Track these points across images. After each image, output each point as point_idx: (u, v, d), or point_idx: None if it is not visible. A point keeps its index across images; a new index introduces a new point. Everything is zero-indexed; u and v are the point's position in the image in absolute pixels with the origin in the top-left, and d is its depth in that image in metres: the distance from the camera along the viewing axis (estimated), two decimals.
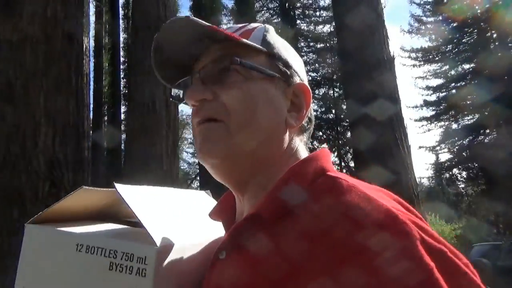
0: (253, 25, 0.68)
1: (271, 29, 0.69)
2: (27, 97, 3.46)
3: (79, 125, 3.89)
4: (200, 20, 0.56)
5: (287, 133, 0.63)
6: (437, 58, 24.53)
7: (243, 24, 0.68)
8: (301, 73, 0.67)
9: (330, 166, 0.61)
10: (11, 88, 3.44)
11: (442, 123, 25.65)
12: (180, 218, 0.70)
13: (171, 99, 0.67)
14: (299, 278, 0.45)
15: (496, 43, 18.86)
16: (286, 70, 0.64)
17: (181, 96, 0.68)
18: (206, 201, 0.78)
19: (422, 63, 25.67)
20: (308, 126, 0.69)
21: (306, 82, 0.68)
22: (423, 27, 25.75)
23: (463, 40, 21.40)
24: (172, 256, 0.56)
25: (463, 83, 21.38)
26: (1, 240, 3.06)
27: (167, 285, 0.55)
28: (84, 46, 4.25)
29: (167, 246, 0.56)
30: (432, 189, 34.60)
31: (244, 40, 0.60)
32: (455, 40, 21.84)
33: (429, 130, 27.06)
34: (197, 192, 0.84)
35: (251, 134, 0.59)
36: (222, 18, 19.46)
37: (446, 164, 24.09)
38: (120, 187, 0.61)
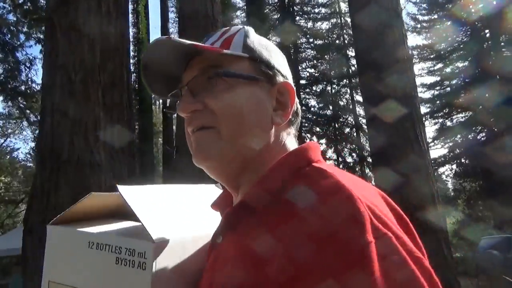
0: (233, 29, 0.70)
1: (250, 31, 0.71)
2: (86, 92, 3.56)
3: (131, 118, 4.01)
4: (181, 40, 0.61)
5: (274, 130, 0.66)
6: (431, 56, 24.90)
7: (224, 30, 0.71)
8: (284, 71, 0.70)
9: (316, 157, 0.64)
10: (71, 83, 3.54)
11: (437, 120, 26.12)
12: (184, 213, 0.75)
13: (164, 110, 0.76)
14: (281, 256, 0.49)
15: (489, 42, 19.25)
16: (268, 71, 0.67)
17: (174, 106, 0.71)
18: (215, 194, 0.81)
19: (417, 61, 26.09)
20: (295, 119, 0.72)
21: (289, 79, 0.71)
22: (419, 26, 26.12)
23: (457, 39, 21.80)
24: (172, 249, 0.62)
25: (459, 81, 21.82)
26: None
27: (167, 276, 0.61)
28: (129, 43, 4.35)
29: (165, 241, 0.61)
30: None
31: (225, 51, 0.64)
32: (449, 39, 22.22)
33: (426, 126, 27.54)
34: (207, 187, 0.88)
35: (240, 136, 0.63)
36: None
37: (439, 160, 24.53)
38: (123, 189, 0.66)
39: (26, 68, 16.49)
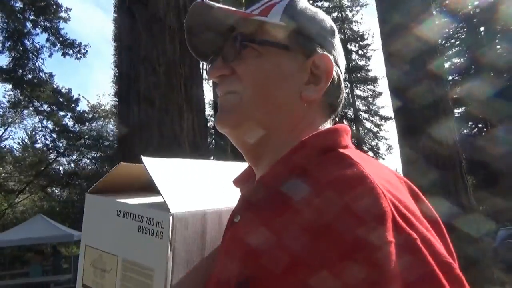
0: None
1: (298, 0, 0.67)
2: (170, 84, 3.66)
3: (205, 109, 4.13)
4: (216, 4, 0.61)
5: (303, 106, 0.63)
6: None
7: None
8: (325, 44, 0.65)
9: (343, 141, 0.60)
10: (156, 75, 3.63)
11: None
12: (209, 187, 0.75)
13: (205, 73, 0.81)
14: (299, 233, 0.47)
15: (484, 39, 19.59)
16: (305, 42, 0.63)
17: None
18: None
19: None
20: (335, 100, 0.67)
21: (332, 53, 0.66)
22: None
23: (455, 36, 22.13)
24: (191, 222, 0.62)
25: (456, 76, 22.21)
26: None
27: (186, 248, 0.61)
28: None
29: (183, 213, 0.61)
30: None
31: (256, 17, 0.62)
32: (445, 35, 22.54)
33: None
34: (237, 164, 0.86)
35: (260, 105, 0.61)
36: None
37: None
38: (147, 160, 0.67)
39: (34, 56, 16.30)
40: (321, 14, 0.68)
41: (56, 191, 24.75)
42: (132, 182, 0.77)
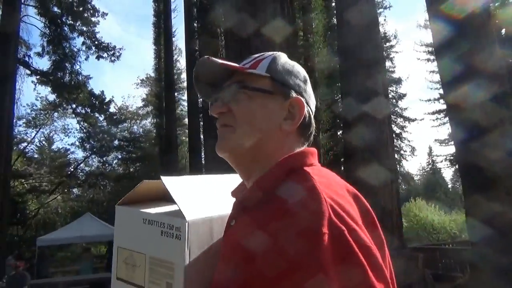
0: (266, 54, 0.86)
1: (280, 57, 0.85)
2: None
3: None
4: (217, 60, 0.80)
5: (283, 136, 0.80)
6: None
7: (260, 54, 0.87)
8: (299, 90, 0.83)
9: (310, 161, 0.77)
10: None
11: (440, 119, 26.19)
12: (213, 197, 0.92)
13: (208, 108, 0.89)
14: (270, 236, 0.62)
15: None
16: (283, 89, 0.80)
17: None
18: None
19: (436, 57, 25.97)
20: (307, 130, 0.84)
21: (304, 96, 0.84)
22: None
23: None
24: (202, 226, 0.79)
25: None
26: None
27: (199, 246, 0.78)
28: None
29: (196, 219, 0.78)
30: (433, 180, 35.67)
31: (249, 70, 0.80)
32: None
33: (444, 123, 27.82)
34: (236, 176, 1.02)
35: (250, 135, 0.78)
36: None
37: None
38: (165, 179, 0.84)
39: (72, 60, 16.74)
40: (297, 67, 0.87)
41: (77, 191, 25.29)
42: (151, 195, 0.96)
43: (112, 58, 17.79)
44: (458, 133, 5.89)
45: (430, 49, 26.49)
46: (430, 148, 42.69)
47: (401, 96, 26.14)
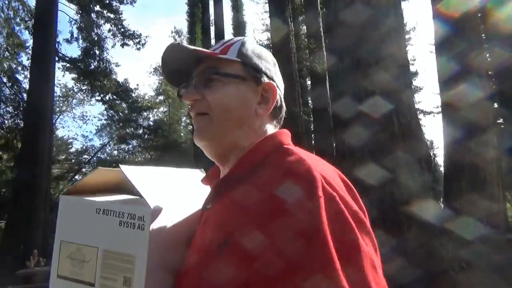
0: (235, 39, 0.85)
1: (248, 41, 0.85)
2: None
3: None
4: (187, 46, 0.78)
5: (258, 120, 0.81)
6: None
7: (228, 39, 0.87)
8: (270, 74, 0.84)
9: (286, 141, 0.78)
10: None
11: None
12: (173, 188, 0.89)
13: (178, 96, 0.86)
14: (251, 216, 0.62)
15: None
16: (255, 73, 0.81)
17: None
18: (199, 176, 0.98)
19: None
20: (279, 113, 0.86)
21: (275, 81, 0.85)
22: None
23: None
24: (165, 215, 0.75)
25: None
26: None
27: (163, 236, 0.74)
28: None
29: (159, 208, 0.74)
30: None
31: (220, 55, 0.80)
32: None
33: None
34: (193, 170, 1.01)
35: (226, 122, 0.78)
36: None
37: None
38: (124, 168, 0.79)
39: (100, 47, 16.77)
40: (265, 52, 0.88)
41: None
42: (101, 186, 0.88)
43: (138, 46, 17.67)
44: (452, 132, 5.82)
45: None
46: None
47: (418, 90, 26.10)
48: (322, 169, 0.66)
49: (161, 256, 0.72)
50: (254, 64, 0.82)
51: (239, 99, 0.79)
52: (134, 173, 0.79)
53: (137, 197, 0.79)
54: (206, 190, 0.85)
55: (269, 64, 0.86)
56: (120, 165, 0.78)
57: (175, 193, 0.86)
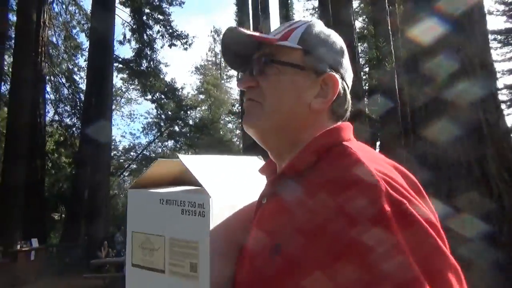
0: (300, 22, 0.79)
1: (314, 25, 0.79)
2: None
3: None
4: (245, 31, 0.75)
5: (313, 114, 0.75)
6: None
7: (292, 22, 0.80)
8: (334, 64, 0.76)
9: (347, 136, 0.73)
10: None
11: None
12: (232, 176, 0.89)
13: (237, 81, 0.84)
14: (313, 219, 0.59)
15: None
16: (316, 63, 0.74)
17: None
18: (257, 163, 0.97)
19: (500, 45, 24.76)
20: (340, 108, 0.78)
21: (341, 71, 0.77)
22: (506, 8, 24.89)
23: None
24: (225, 202, 0.76)
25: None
26: None
27: (222, 223, 0.74)
28: None
29: (219, 196, 0.74)
30: None
31: (278, 42, 0.74)
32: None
33: (507, 114, 26.61)
34: (251, 158, 1.01)
35: (277, 113, 0.74)
36: None
37: None
38: (183, 157, 0.80)
39: (151, 48, 17.39)
40: (333, 37, 0.79)
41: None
42: (164, 178, 0.91)
43: (185, 46, 18.13)
44: (450, 131, 5.66)
45: (491, 36, 25.11)
46: None
47: None
48: (383, 170, 0.60)
49: (223, 242, 0.74)
50: (316, 53, 0.76)
51: (293, 89, 0.74)
52: (193, 162, 0.81)
53: (197, 187, 0.80)
54: (263, 179, 0.85)
55: (335, 53, 0.79)
56: (179, 155, 0.80)
57: (233, 181, 0.87)
